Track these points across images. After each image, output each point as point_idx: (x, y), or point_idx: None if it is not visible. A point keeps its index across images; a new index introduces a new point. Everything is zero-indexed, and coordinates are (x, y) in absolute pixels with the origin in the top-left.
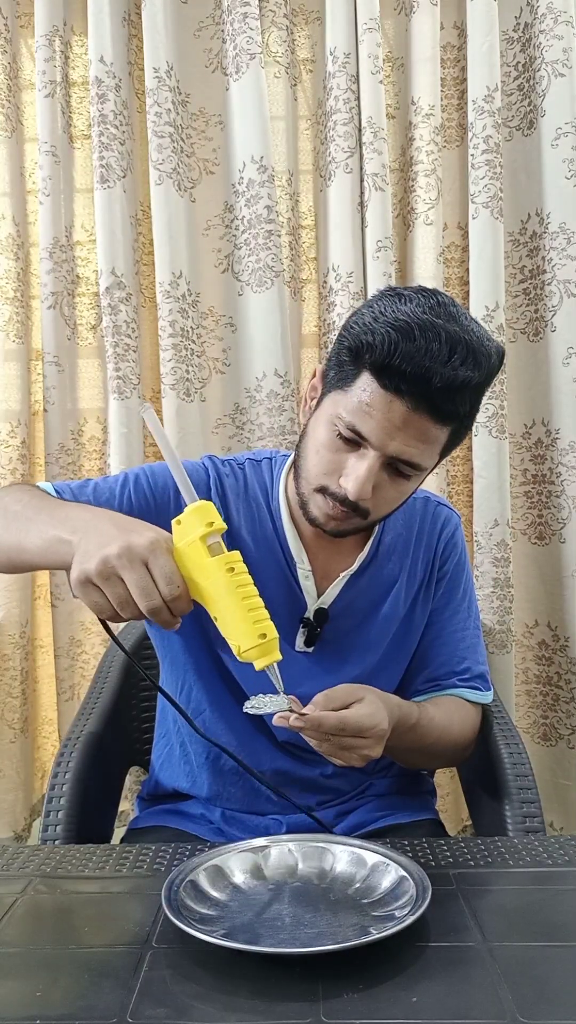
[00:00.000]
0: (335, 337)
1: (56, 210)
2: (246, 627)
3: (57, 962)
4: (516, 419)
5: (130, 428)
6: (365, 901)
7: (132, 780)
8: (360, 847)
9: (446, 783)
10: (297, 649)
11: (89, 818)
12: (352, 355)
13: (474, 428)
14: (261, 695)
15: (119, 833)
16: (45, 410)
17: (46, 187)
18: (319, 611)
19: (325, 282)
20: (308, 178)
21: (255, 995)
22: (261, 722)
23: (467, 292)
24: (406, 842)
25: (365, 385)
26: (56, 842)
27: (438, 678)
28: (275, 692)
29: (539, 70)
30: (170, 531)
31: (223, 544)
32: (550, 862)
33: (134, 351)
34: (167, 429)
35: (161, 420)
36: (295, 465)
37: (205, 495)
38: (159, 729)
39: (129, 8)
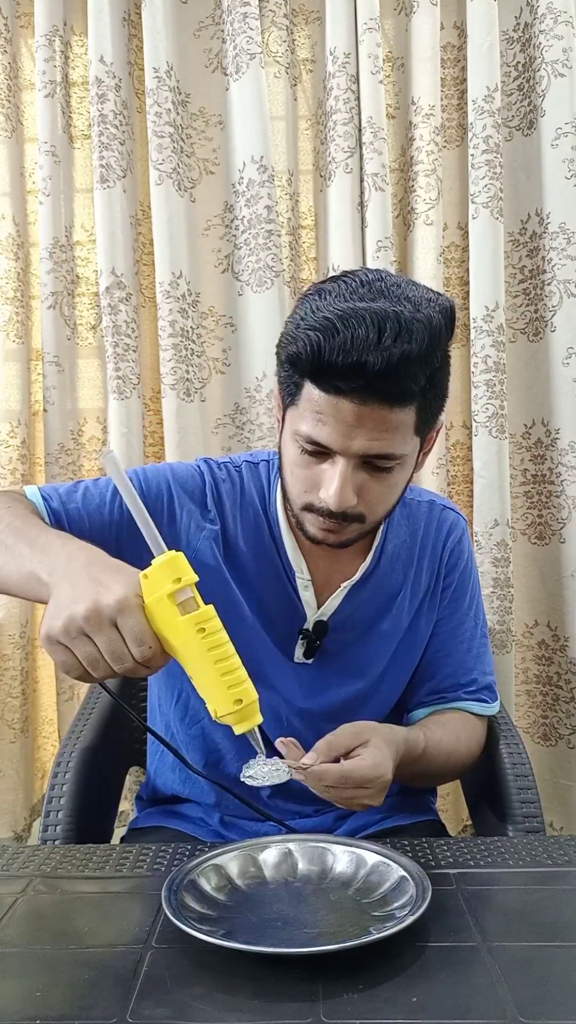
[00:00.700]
0: None
1: (56, 210)
2: (220, 692)
3: (57, 962)
4: (516, 419)
5: (130, 428)
6: (365, 901)
7: (132, 780)
8: (360, 847)
9: (446, 783)
10: (296, 661)
11: (89, 818)
12: (289, 368)
13: (474, 428)
14: (256, 761)
15: (119, 833)
16: (45, 410)
17: (46, 187)
18: (318, 623)
19: None
20: (308, 178)
21: (255, 995)
22: (258, 728)
23: (467, 292)
24: (406, 842)
25: (309, 394)
26: (56, 842)
27: (443, 690)
28: (273, 753)
29: (539, 70)
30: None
31: (197, 597)
32: (550, 862)
33: (134, 351)
34: (167, 429)
35: (161, 420)
36: (282, 488)
37: (201, 502)
38: (150, 736)
39: (129, 8)
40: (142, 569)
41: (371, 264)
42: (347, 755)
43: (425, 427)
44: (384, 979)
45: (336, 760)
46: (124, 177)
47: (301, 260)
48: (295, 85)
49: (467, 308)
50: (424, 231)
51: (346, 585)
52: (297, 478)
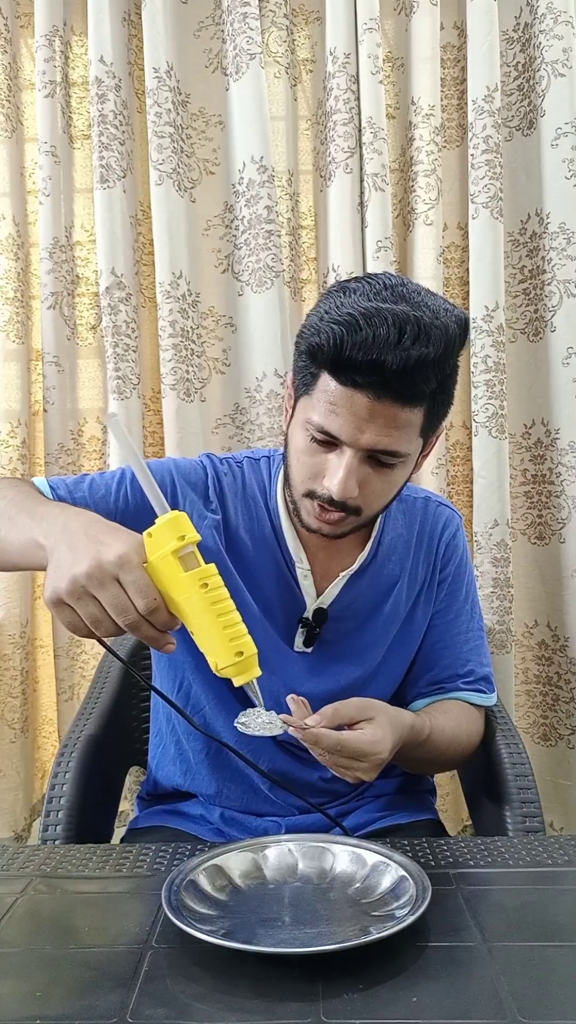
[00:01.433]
0: None
1: (56, 210)
2: (222, 645)
3: (57, 962)
4: (516, 419)
5: (130, 428)
6: (365, 901)
7: (132, 780)
8: (360, 847)
9: (446, 783)
10: (296, 649)
11: (89, 818)
12: (308, 359)
13: (474, 428)
14: (253, 711)
15: (119, 833)
16: (45, 410)
17: (46, 187)
18: (318, 611)
19: (325, 282)
20: (308, 178)
21: (255, 995)
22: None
23: (467, 292)
24: (406, 842)
25: (325, 385)
26: (56, 842)
27: (442, 681)
28: (268, 703)
29: (539, 70)
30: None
31: (198, 555)
32: (550, 862)
33: (134, 351)
34: (167, 429)
35: (161, 420)
36: (285, 475)
37: (203, 493)
38: (153, 728)
39: (129, 8)
40: None
41: (371, 264)
42: (351, 726)
43: (430, 430)
44: (384, 979)
45: (339, 729)
46: (124, 177)
47: (301, 260)
48: (295, 85)
49: (467, 308)
50: (424, 231)
51: (344, 574)
52: (303, 465)
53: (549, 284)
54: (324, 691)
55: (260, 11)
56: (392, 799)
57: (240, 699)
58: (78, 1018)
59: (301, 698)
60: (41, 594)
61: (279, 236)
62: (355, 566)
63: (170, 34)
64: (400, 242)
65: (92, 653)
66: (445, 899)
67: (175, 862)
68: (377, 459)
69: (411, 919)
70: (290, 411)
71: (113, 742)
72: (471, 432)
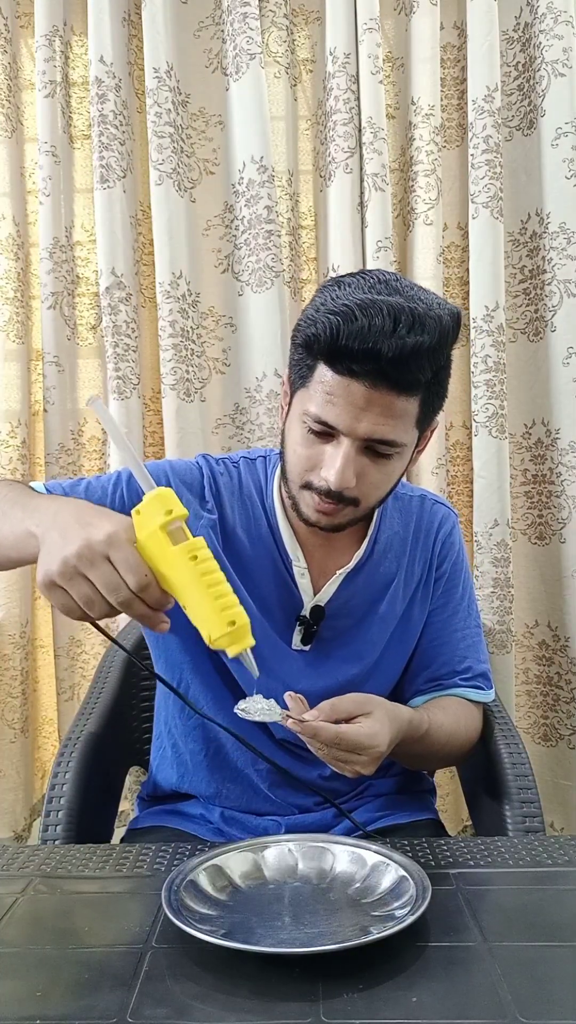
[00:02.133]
0: None
1: (56, 210)
2: (214, 615)
3: (57, 962)
4: (516, 419)
5: (130, 428)
6: (365, 901)
7: (132, 780)
8: (360, 847)
9: (446, 783)
10: (294, 647)
11: (89, 818)
12: (304, 350)
13: (474, 428)
14: (252, 698)
15: (119, 833)
16: (45, 410)
17: (46, 187)
18: (315, 609)
19: None
20: (308, 178)
21: (255, 995)
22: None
23: (467, 292)
24: (406, 842)
25: (321, 376)
26: (56, 842)
27: (440, 678)
28: (268, 686)
29: (539, 70)
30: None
31: (186, 530)
32: (550, 862)
33: (134, 351)
34: (167, 429)
35: (161, 420)
36: (282, 470)
37: (199, 493)
38: (155, 730)
39: (129, 8)
40: None
41: (371, 264)
42: (349, 721)
43: (425, 421)
44: (384, 979)
45: (336, 723)
46: (124, 177)
47: (301, 260)
48: (295, 85)
49: (467, 308)
50: (424, 231)
51: (341, 572)
52: (299, 457)
53: (549, 284)
54: (322, 688)
55: (260, 11)
56: (392, 799)
57: (238, 697)
58: (78, 1018)
59: (299, 695)
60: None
61: (279, 236)
62: (352, 563)
63: (170, 34)
64: (400, 242)
65: (92, 653)
66: (445, 899)
67: (175, 862)
68: (374, 449)
69: (411, 919)
70: (286, 407)
71: (113, 742)
72: (471, 432)
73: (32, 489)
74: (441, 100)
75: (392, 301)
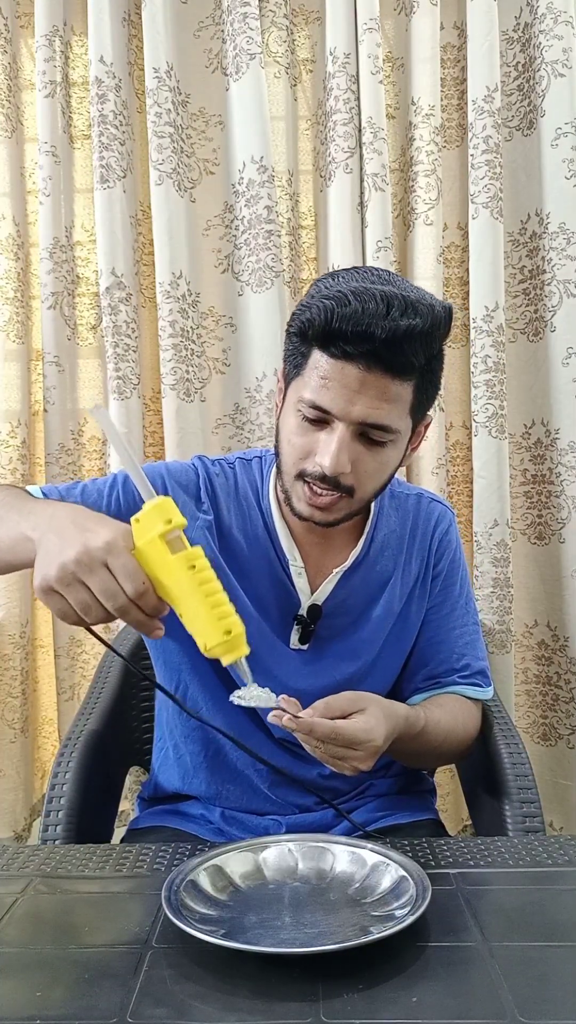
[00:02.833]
0: None
1: (56, 210)
2: (210, 624)
3: (57, 962)
4: (516, 419)
5: (130, 428)
6: (365, 901)
7: (132, 780)
8: (360, 847)
9: (446, 783)
10: (291, 647)
11: (89, 818)
12: (298, 338)
13: (474, 428)
14: (248, 687)
15: (119, 833)
16: (45, 410)
17: (46, 187)
18: (312, 608)
19: None
20: (308, 178)
21: (255, 995)
22: (258, 718)
23: (467, 292)
24: (406, 842)
25: (316, 361)
26: (56, 842)
27: (438, 676)
28: (266, 685)
29: (539, 70)
30: None
31: (184, 540)
32: (550, 862)
33: (134, 351)
34: (167, 429)
35: (161, 420)
36: (276, 466)
37: (195, 495)
38: (156, 732)
39: (129, 8)
40: None
41: (371, 264)
42: (344, 718)
43: (419, 410)
44: (384, 979)
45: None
46: (124, 177)
47: (301, 260)
48: (295, 85)
49: (467, 308)
50: (424, 231)
51: (338, 570)
52: (294, 446)
53: (549, 284)
54: (320, 687)
55: (260, 11)
56: (392, 799)
57: None
58: (78, 1018)
59: (293, 699)
60: None
61: (279, 236)
62: (348, 562)
63: (170, 34)
64: (400, 242)
65: (92, 653)
66: (445, 899)
67: (175, 862)
68: (368, 436)
69: (411, 919)
70: (280, 402)
71: (114, 741)
72: (471, 432)
73: (28, 493)
74: (441, 100)
75: (385, 289)
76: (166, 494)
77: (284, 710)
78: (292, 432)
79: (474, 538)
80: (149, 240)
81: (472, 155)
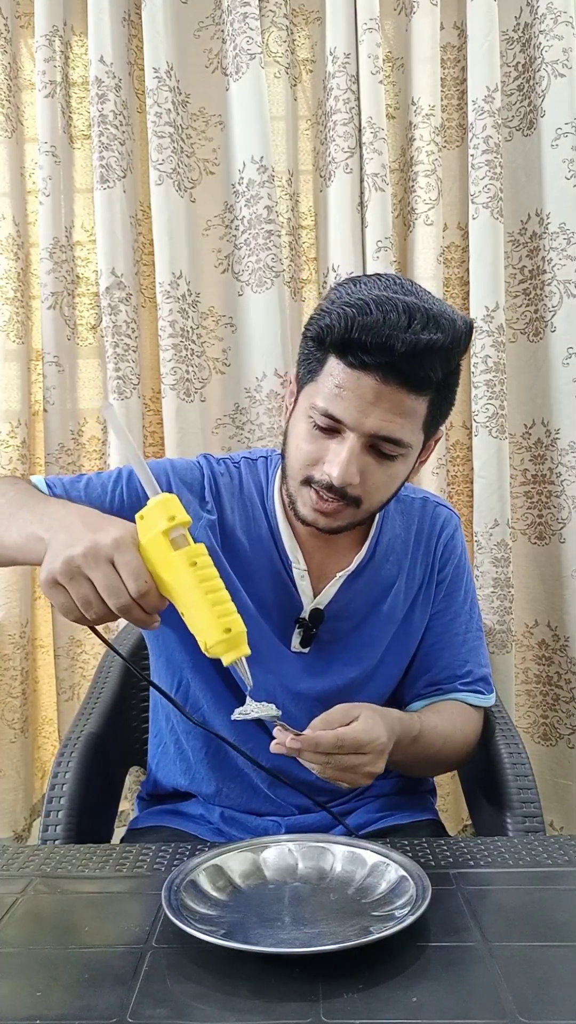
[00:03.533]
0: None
1: (56, 210)
2: (211, 622)
3: (57, 962)
4: (516, 419)
5: (130, 428)
6: (365, 901)
7: (132, 780)
8: (360, 847)
9: (446, 783)
10: (293, 650)
11: (89, 818)
12: (315, 343)
13: (474, 428)
14: (248, 702)
15: (119, 833)
16: (45, 410)
17: (46, 187)
18: (315, 611)
19: (325, 282)
20: (308, 178)
21: (255, 995)
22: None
23: (467, 292)
24: (406, 842)
25: (332, 369)
26: (56, 842)
27: (440, 682)
28: (263, 699)
29: (539, 70)
30: None
31: (188, 537)
32: (550, 862)
33: (134, 351)
34: (167, 429)
35: (161, 420)
36: (282, 469)
37: (199, 493)
38: (152, 728)
39: (129, 8)
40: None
41: (371, 264)
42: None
43: (431, 426)
44: (384, 979)
45: None
46: (124, 177)
47: (301, 260)
48: (295, 85)
49: (467, 308)
50: (424, 231)
51: (342, 574)
52: (302, 452)
53: (549, 284)
54: (321, 691)
55: (260, 11)
56: (392, 799)
57: (238, 696)
58: (78, 1018)
59: (282, 722)
60: (41, 594)
61: (279, 236)
62: (352, 566)
63: (170, 34)
64: (400, 242)
65: (92, 653)
66: (445, 899)
67: (175, 862)
68: (379, 449)
69: (411, 919)
70: (291, 404)
71: (113, 741)
72: (471, 432)
73: (35, 488)
74: (441, 100)
75: (408, 300)
76: (170, 491)
77: (284, 726)
78: (302, 438)
79: (474, 538)
80: (149, 240)
81: (472, 155)
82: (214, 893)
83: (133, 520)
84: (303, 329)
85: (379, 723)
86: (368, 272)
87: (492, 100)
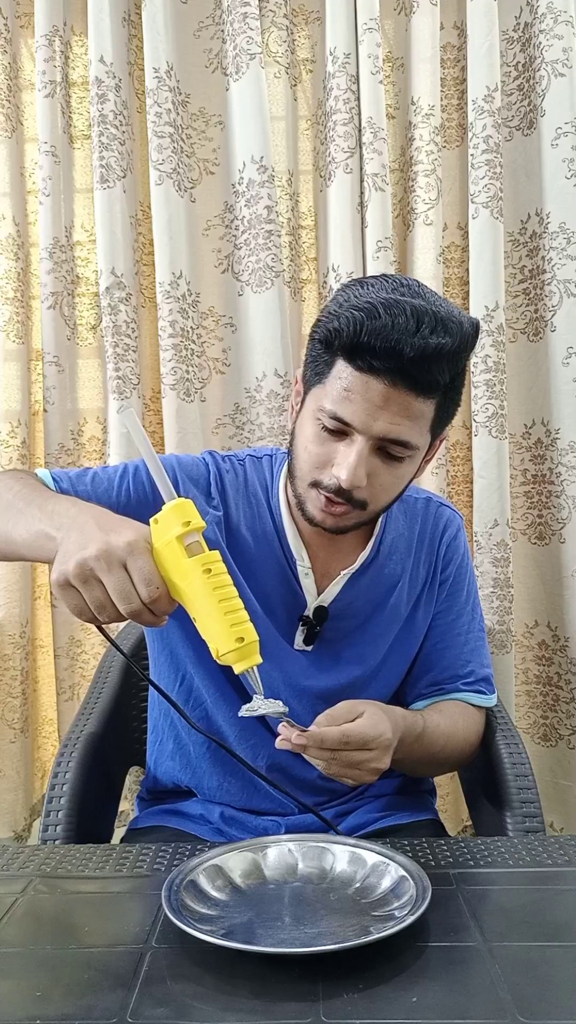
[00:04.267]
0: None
1: (56, 210)
2: (223, 630)
3: (57, 962)
4: (516, 419)
5: (130, 428)
6: (365, 901)
7: (132, 780)
8: (360, 847)
9: (446, 783)
10: (296, 647)
11: (89, 818)
12: (323, 346)
13: (474, 428)
14: (255, 698)
15: (119, 833)
16: (45, 410)
17: (46, 187)
18: (319, 609)
19: (325, 282)
20: (308, 178)
21: (255, 995)
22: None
23: (467, 292)
24: (406, 842)
25: (340, 372)
26: (56, 842)
27: (442, 682)
28: (267, 695)
29: (539, 70)
30: None
31: (203, 542)
32: (550, 862)
33: (134, 351)
34: (167, 429)
35: (161, 420)
36: (289, 469)
37: (205, 490)
38: (150, 724)
39: (129, 8)
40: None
41: (371, 264)
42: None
43: (438, 428)
44: (384, 979)
45: None
46: (124, 177)
47: (301, 260)
48: (295, 85)
49: (467, 308)
50: (424, 231)
51: (346, 573)
52: (310, 454)
53: (549, 284)
54: (324, 689)
55: (260, 11)
56: (392, 799)
57: (241, 692)
58: (78, 1018)
59: (291, 720)
60: (41, 594)
61: (279, 236)
62: (356, 565)
63: (170, 34)
64: (400, 242)
65: (92, 653)
66: (445, 899)
67: (175, 862)
68: (386, 451)
69: (411, 919)
70: (298, 406)
71: (113, 741)
72: (471, 432)
73: (43, 483)
74: (441, 100)
75: (416, 303)
76: (177, 485)
77: (291, 723)
78: (309, 440)
79: (474, 538)
80: (149, 240)
81: (472, 155)
82: (214, 893)
83: (139, 515)
84: (310, 331)
85: (384, 719)
86: (368, 272)
87: (492, 100)
